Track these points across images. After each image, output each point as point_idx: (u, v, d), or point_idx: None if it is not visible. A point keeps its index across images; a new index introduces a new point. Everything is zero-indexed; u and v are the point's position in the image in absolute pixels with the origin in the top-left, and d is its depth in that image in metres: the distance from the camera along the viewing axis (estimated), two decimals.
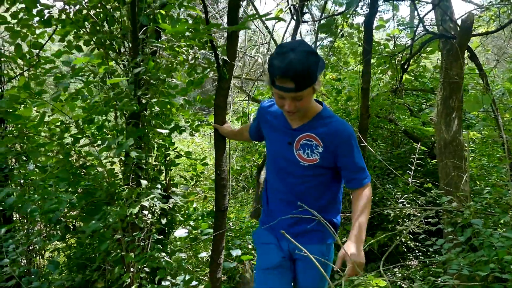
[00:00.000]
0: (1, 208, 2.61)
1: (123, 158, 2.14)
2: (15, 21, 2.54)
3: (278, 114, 1.87)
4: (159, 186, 2.31)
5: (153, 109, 2.17)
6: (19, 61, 3.28)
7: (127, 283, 2.10)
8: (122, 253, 2.08)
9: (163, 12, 2.30)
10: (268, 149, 1.95)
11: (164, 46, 2.07)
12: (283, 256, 1.88)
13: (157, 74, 1.99)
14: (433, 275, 3.62)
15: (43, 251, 3.12)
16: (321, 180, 1.82)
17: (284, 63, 1.52)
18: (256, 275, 1.98)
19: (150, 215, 2.17)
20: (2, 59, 3.14)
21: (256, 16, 2.21)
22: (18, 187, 2.59)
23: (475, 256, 2.66)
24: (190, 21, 2.36)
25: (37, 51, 3.01)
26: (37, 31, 2.81)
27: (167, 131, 2.17)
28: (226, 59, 2.41)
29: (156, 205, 2.09)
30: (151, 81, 2.01)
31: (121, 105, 1.89)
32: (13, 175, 3.10)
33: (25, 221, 3.27)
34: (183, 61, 2.20)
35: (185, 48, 2.15)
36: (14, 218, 3.35)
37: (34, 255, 2.92)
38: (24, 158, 3.02)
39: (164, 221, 2.27)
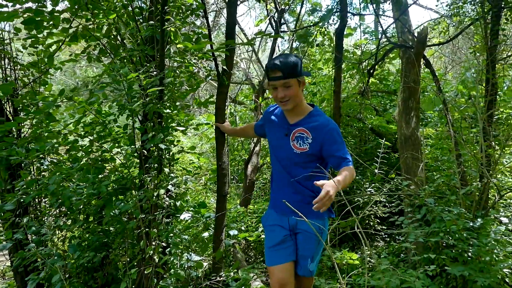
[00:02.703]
0: (44, 194, 2.96)
1: (145, 152, 2.57)
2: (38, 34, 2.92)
3: (278, 114, 2.40)
4: (172, 174, 2.75)
5: (168, 110, 2.61)
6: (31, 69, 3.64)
7: (149, 255, 2.54)
8: (147, 229, 2.51)
9: (172, 29, 2.75)
10: (270, 142, 2.43)
11: (182, 60, 2.52)
12: (285, 234, 2.32)
13: (176, 83, 2.45)
14: (397, 250, 4.24)
15: (57, 239, 3.48)
16: (311, 166, 2.27)
17: (274, 60, 2.20)
18: (265, 253, 2.41)
19: (168, 198, 2.62)
20: (18, 67, 3.48)
21: (255, 37, 2.70)
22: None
23: (428, 229, 3.27)
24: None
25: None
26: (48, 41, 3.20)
27: (184, 128, 2.63)
28: (225, 68, 2.90)
29: (172, 190, 2.53)
30: (173, 88, 2.46)
31: (150, 107, 2.32)
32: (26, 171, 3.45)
33: (39, 213, 3.63)
34: (192, 71, 2.67)
35: (194, 61, 2.62)
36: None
37: (52, 242, 3.28)
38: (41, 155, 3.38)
39: (178, 203, 2.73)
